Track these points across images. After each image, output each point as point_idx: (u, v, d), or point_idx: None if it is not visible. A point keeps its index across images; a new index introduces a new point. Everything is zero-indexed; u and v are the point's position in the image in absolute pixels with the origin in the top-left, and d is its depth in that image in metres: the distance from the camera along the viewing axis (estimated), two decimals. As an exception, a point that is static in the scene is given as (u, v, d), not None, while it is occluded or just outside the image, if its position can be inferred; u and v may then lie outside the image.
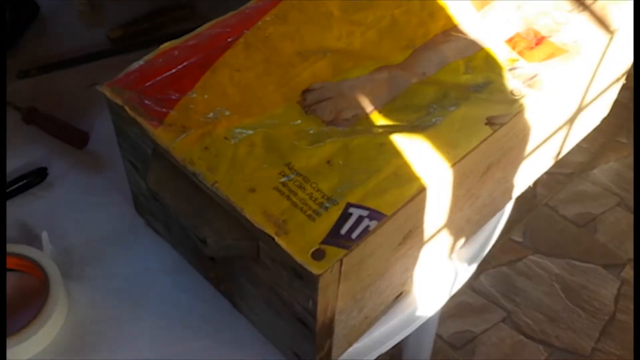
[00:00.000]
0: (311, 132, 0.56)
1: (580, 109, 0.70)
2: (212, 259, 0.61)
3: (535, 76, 0.60)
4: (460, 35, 0.64)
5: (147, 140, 0.57)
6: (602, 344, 1.42)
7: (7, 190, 0.70)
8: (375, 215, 0.51)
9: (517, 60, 0.62)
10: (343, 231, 0.50)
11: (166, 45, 0.63)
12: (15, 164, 0.73)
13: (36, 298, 0.62)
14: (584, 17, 0.65)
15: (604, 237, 1.60)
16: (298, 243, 0.49)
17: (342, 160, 0.54)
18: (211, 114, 0.57)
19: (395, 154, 0.54)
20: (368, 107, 0.58)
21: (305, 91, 0.59)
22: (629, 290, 1.51)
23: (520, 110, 0.58)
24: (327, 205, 0.51)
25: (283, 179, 0.53)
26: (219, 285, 0.64)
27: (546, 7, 0.66)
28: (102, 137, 0.76)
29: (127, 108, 0.56)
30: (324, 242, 0.49)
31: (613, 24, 0.65)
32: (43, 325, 0.59)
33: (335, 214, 0.51)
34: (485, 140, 0.56)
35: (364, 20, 0.64)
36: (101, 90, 0.58)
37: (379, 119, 0.57)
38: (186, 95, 0.58)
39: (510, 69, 0.61)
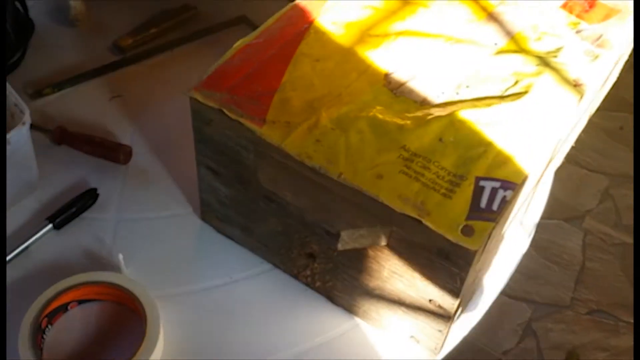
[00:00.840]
0: (410, 113, 0.56)
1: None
2: (311, 256, 0.60)
3: (601, 36, 0.62)
4: (516, 4, 0.65)
5: (244, 142, 0.55)
6: (579, 293, 1.49)
7: (62, 218, 0.65)
8: (507, 185, 0.51)
9: (578, 23, 0.64)
10: (483, 204, 0.50)
11: (238, 43, 0.60)
12: (58, 188, 0.68)
13: (129, 324, 0.58)
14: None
15: (560, 193, 1.68)
16: (444, 222, 0.49)
17: (452, 136, 0.54)
18: (307, 107, 0.55)
19: (501, 124, 0.55)
20: (453, 81, 0.58)
21: (388, 74, 0.59)
22: (593, 239, 1.59)
23: (598, 69, 0.60)
24: (457, 181, 0.51)
25: (405, 162, 0.52)
26: (314, 283, 0.62)
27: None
28: (140, 149, 0.72)
29: (225, 110, 0.54)
30: (469, 217, 0.49)
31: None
32: (150, 355, 0.56)
33: (468, 189, 0.51)
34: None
35: (421, 1, 0.65)
36: (190, 95, 0.55)
37: (469, 92, 0.58)
38: (277, 91, 0.56)
39: (577, 32, 0.63)
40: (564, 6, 0.65)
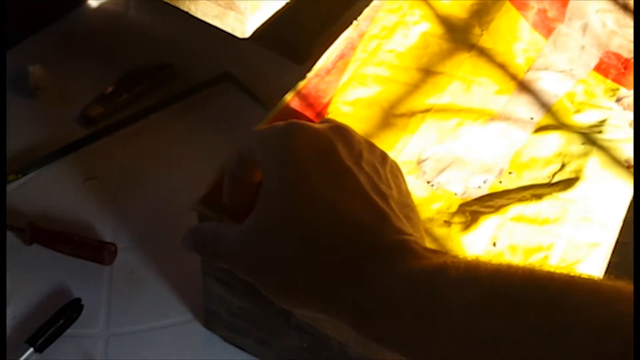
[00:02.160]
0: (451, 210, 0.49)
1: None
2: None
3: (644, 104, 0.57)
4: (546, 70, 0.58)
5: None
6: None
7: (43, 339, 0.56)
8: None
9: (617, 89, 0.58)
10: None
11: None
12: (34, 299, 0.59)
13: None
14: (652, 31, 0.62)
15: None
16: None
17: (507, 239, 0.47)
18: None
19: (557, 219, 0.48)
20: (495, 167, 0.52)
21: (421, 161, 0.52)
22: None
23: (648, 145, 0.54)
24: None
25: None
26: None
27: (610, 24, 0.62)
28: (124, 243, 0.63)
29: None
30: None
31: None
32: None
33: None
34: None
35: (445, 70, 0.57)
36: (196, 209, 0.47)
37: (513, 181, 0.51)
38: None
39: (617, 100, 0.57)
40: (598, 69, 0.59)
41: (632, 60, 0.60)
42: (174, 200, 0.66)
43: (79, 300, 0.58)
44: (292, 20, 0.77)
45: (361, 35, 0.58)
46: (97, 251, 0.61)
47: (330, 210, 0.37)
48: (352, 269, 0.36)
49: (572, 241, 0.47)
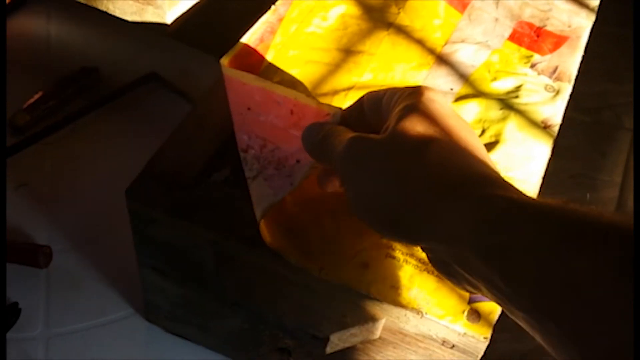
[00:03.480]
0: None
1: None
2: (285, 351, 0.52)
3: (557, 68, 0.59)
4: (463, 43, 0.60)
5: (200, 242, 0.47)
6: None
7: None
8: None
9: (532, 56, 0.60)
10: (483, 283, 0.45)
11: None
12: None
13: None
14: (561, 0, 0.65)
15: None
16: (445, 310, 0.43)
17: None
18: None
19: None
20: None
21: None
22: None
23: (563, 106, 0.56)
24: (450, 258, 0.45)
25: (387, 251, 0.46)
26: (289, 378, 0.55)
27: (522, -3, 0.64)
28: (59, 246, 0.62)
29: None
30: (471, 300, 0.44)
31: (591, 1, 0.65)
32: None
33: (464, 266, 0.45)
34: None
35: (365, 49, 0.59)
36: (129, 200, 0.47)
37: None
38: (227, 176, 0.49)
39: (532, 66, 0.59)
40: (512, 38, 0.61)
41: (544, 28, 0.62)
42: (106, 200, 0.65)
43: (16, 304, 0.57)
44: (215, 16, 0.78)
45: (280, 20, 0.59)
46: (32, 254, 0.60)
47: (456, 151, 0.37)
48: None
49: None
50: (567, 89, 0.58)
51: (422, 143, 0.37)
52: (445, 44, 0.60)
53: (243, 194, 0.47)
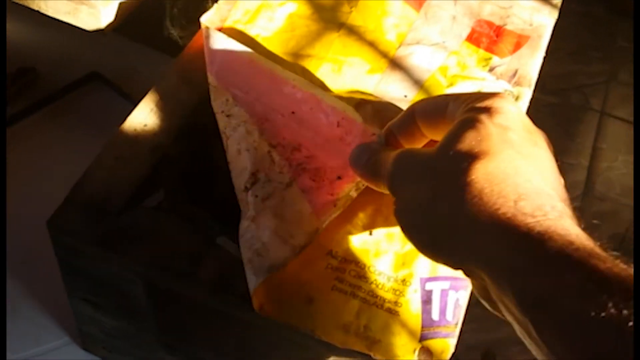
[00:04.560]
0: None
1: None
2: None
3: (516, 71, 0.55)
4: (418, 44, 0.56)
5: (130, 275, 0.43)
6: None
7: None
8: (457, 283, 0.43)
9: (490, 58, 0.56)
10: (435, 315, 0.42)
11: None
12: None
13: None
14: (522, -4, 0.61)
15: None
16: (395, 350, 0.40)
17: (383, 226, 0.45)
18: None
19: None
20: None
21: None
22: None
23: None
24: (400, 289, 0.42)
25: (337, 273, 0.42)
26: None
27: (481, -7, 0.61)
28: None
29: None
30: (423, 337, 0.41)
31: (554, -3, 0.62)
32: None
33: (414, 297, 0.42)
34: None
35: (314, 52, 0.55)
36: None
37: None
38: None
39: (490, 70, 0.55)
40: (470, 39, 0.57)
41: (504, 27, 0.58)
42: (41, 218, 0.61)
43: (-60, 335, 0.53)
44: (160, 10, 0.73)
45: (223, 20, 0.55)
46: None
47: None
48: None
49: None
50: (527, 94, 0.54)
51: (469, 162, 0.34)
52: (400, 46, 0.56)
53: (177, 220, 0.43)
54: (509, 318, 0.32)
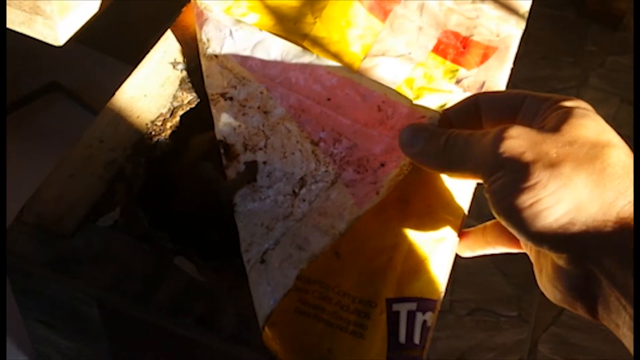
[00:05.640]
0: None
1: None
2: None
3: (483, 83, 0.54)
4: (383, 56, 0.55)
5: (83, 296, 0.41)
6: (457, 294, 1.44)
7: None
8: (424, 304, 0.42)
9: (456, 70, 0.55)
10: (402, 339, 0.40)
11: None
12: None
13: None
14: (489, 6, 0.60)
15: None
16: (360, 373, 0.39)
17: (350, 245, 0.44)
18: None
19: (402, 220, 0.45)
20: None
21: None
22: (459, 235, 1.56)
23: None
24: (366, 310, 0.41)
25: (300, 294, 0.41)
26: None
27: (448, 3, 0.60)
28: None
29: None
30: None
31: (522, 7, 0.61)
32: None
33: (380, 319, 0.41)
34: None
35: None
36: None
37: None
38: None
39: (457, 82, 0.54)
40: (436, 50, 0.56)
41: (471, 38, 0.58)
42: None
43: None
44: (121, 19, 0.71)
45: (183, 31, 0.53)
46: None
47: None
48: None
49: (416, 240, 0.44)
50: (494, 106, 0.53)
51: (603, 144, 0.35)
52: (365, 58, 0.55)
53: (132, 240, 0.42)
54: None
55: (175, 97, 0.50)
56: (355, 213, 0.42)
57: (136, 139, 0.47)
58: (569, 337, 1.43)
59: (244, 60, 0.49)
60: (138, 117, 0.48)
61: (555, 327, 1.43)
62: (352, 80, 0.47)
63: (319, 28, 0.56)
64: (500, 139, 0.36)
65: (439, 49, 0.56)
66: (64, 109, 0.70)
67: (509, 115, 0.40)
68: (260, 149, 0.46)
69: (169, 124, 0.49)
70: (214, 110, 0.48)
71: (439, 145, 0.39)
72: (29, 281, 0.43)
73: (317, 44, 0.55)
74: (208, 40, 0.50)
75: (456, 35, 0.58)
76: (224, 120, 0.47)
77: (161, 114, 0.49)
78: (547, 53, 1.93)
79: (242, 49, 0.50)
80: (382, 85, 0.47)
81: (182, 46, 0.53)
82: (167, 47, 0.53)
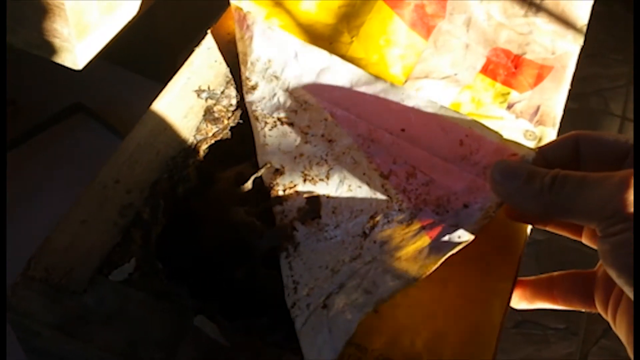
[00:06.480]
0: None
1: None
2: None
3: (538, 108, 0.49)
4: (427, 78, 0.50)
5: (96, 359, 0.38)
6: (499, 304, 1.39)
7: None
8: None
9: (508, 93, 0.50)
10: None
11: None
12: None
13: None
14: (543, 19, 0.55)
15: None
16: None
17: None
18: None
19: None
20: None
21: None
22: None
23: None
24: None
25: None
26: None
27: (498, 17, 0.54)
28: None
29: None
30: None
31: (579, 20, 0.55)
32: None
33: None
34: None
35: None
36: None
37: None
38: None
39: (508, 107, 0.49)
40: (485, 71, 0.51)
41: (523, 56, 0.52)
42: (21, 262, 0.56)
43: None
44: (148, 34, 0.67)
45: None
46: None
47: None
48: None
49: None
50: (551, 135, 0.48)
51: None
52: (407, 81, 0.50)
53: (148, 298, 0.38)
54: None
55: (198, 130, 0.46)
56: (433, 260, 0.37)
57: (155, 179, 0.43)
58: (619, 350, 1.36)
59: (308, 84, 0.45)
60: (157, 153, 0.44)
61: (605, 339, 1.36)
62: (434, 113, 0.42)
63: (356, 48, 0.51)
64: (628, 185, 0.31)
65: (488, 70, 0.51)
66: (88, 129, 0.66)
67: (614, 161, 0.36)
68: (322, 179, 0.42)
69: (191, 160, 0.44)
70: (262, 132, 0.44)
71: (542, 186, 0.35)
72: (36, 340, 0.39)
73: (355, 66, 0.50)
74: (269, 60, 0.46)
75: (507, 53, 0.52)
76: (281, 148, 0.43)
77: (183, 149, 0.45)
78: (594, 50, 1.84)
79: (307, 72, 0.45)
80: (466, 117, 0.42)
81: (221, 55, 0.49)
82: (191, 74, 0.49)
